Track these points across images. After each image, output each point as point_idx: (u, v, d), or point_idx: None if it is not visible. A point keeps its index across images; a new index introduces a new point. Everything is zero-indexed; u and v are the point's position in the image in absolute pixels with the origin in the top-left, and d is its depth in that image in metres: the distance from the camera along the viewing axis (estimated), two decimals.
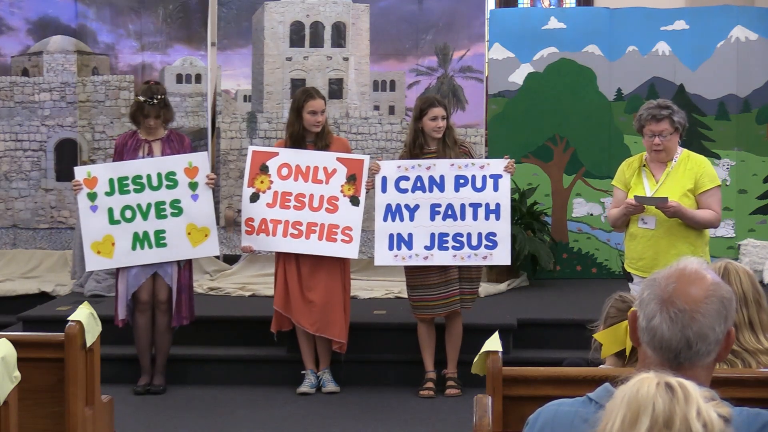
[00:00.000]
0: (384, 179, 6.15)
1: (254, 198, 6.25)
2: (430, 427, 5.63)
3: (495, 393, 3.01)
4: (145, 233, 6.13)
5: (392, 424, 5.69)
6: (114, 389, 5.13)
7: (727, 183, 8.10)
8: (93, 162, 7.97)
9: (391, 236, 6.15)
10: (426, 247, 6.11)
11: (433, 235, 6.11)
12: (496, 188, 6.11)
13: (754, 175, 8.33)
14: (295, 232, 6.19)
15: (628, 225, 5.38)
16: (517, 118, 8.34)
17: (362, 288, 7.69)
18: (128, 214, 6.14)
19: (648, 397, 1.65)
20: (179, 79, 8.21)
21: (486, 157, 7.38)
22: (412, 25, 8.20)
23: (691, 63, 8.31)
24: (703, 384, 1.86)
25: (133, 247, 6.13)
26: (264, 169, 6.24)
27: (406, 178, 6.14)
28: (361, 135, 8.16)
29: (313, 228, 6.19)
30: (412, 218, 6.14)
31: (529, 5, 11.77)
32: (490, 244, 6.11)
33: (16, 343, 3.16)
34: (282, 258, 6.26)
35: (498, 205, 6.11)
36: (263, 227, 6.22)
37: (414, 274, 6.19)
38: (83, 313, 3.89)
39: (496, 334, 3.20)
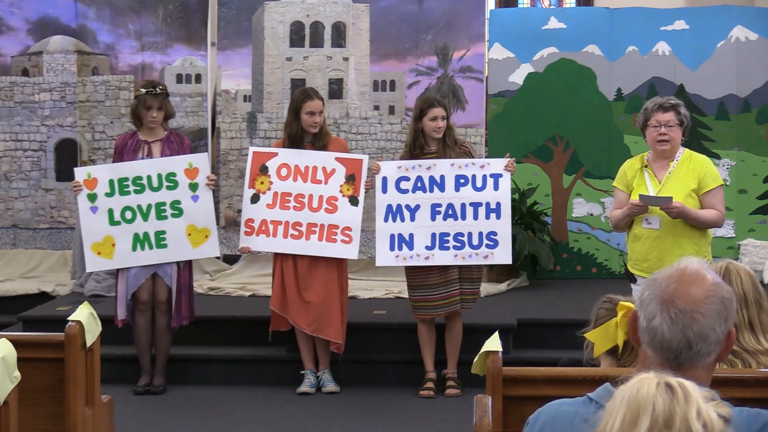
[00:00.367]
0: (384, 180, 6.16)
1: (255, 199, 6.25)
2: (430, 427, 5.63)
3: (495, 393, 3.01)
4: (146, 234, 6.13)
5: (392, 424, 5.69)
6: (114, 389, 5.13)
7: (727, 183, 8.10)
8: (93, 162, 7.97)
9: (392, 236, 6.15)
10: (427, 247, 6.11)
11: (434, 235, 6.11)
12: (496, 187, 6.11)
13: (754, 175, 8.34)
14: (295, 232, 6.19)
15: (631, 226, 5.36)
16: (517, 118, 8.34)
17: (362, 288, 7.69)
18: (128, 215, 6.14)
19: (648, 397, 1.65)
20: (179, 79, 8.22)
21: (486, 158, 7.37)
22: (412, 25, 8.20)
23: (691, 63, 8.31)
24: (704, 384, 1.87)
25: (134, 248, 6.13)
26: (264, 170, 6.24)
27: (407, 179, 6.14)
28: (361, 135, 8.16)
29: (312, 229, 6.19)
30: (412, 218, 6.14)
31: (529, 5, 11.77)
32: (491, 244, 6.11)
33: (16, 343, 3.16)
34: (279, 258, 6.26)
35: (498, 204, 6.12)
36: (263, 228, 6.22)
37: (414, 274, 6.19)
38: (83, 313, 3.89)
39: (496, 334, 3.20)
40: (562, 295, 7.62)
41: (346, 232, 6.19)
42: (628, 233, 5.43)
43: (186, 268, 6.26)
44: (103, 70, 8.24)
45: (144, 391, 6.19)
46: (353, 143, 8.04)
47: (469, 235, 6.11)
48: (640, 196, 5.21)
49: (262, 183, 6.24)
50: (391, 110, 8.20)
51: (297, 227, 6.20)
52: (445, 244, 6.11)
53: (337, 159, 6.23)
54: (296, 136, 6.23)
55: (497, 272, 7.88)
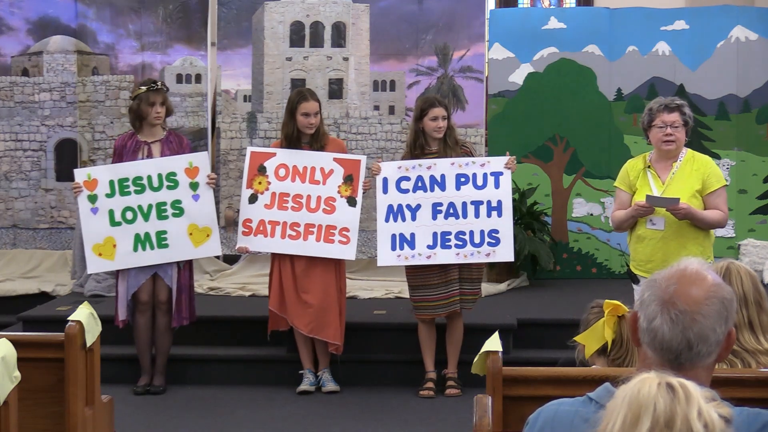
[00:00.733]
0: (385, 180, 6.16)
1: (253, 199, 6.25)
2: (430, 427, 5.63)
3: (495, 393, 3.01)
4: (147, 234, 6.13)
5: (392, 424, 5.69)
6: (114, 389, 5.13)
7: (727, 183, 8.08)
8: (93, 162, 7.97)
9: (393, 236, 6.15)
10: (429, 247, 6.11)
11: (435, 234, 6.11)
12: (497, 185, 6.11)
13: (754, 175, 8.34)
14: (293, 233, 6.20)
15: (635, 227, 5.34)
16: (517, 118, 8.34)
17: (362, 288, 7.69)
18: (129, 215, 6.14)
19: (649, 398, 1.65)
20: (179, 79, 8.22)
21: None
22: (412, 25, 8.20)
23: (691, 63, 8.31)
24: (704, 384, 1.87)
25: (135, 249, 6.12)
26: (262, 170, 6.24)
27: (407, 179, 6.14)
28: (361, 135, 8.16)
29: (310, 229, 6.19)
30: (414, 218, 6.14)
31: (529, 5, 11.77)
32: (493, 241, 6.11)
33: (16, 343, 3.16)
34: (277, 259, 6.26)
35: (500, 202, 6.12)
36: (261, 228, 6.22)
37: (415, 274, 6.19)
38: (83, 313, 3.89)
39: (496, 334, 3.21)
40: (562, 295, 7.62)
41: (344, 232, 6.18)
42: (630, 234, 5.40)
43: (186, 268, 6.26)
44: (103, 70, 8.24)
45: (144, 391, 6.19)
46: (353, 143, 8.05)
47: (471, 233, 6.11)
48: (647, 197, 5.19)
49: (260, 183, 6.24)
50: (391, 110, 8.20)
51: (295, 228, 6.20)
52: (447, 243, 6.11)
53: (335, 159, 6.23)
54: (293, 137, 6.23)
55: (497, 272, 7.88)
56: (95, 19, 8.25)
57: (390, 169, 6.18)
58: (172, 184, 6.15)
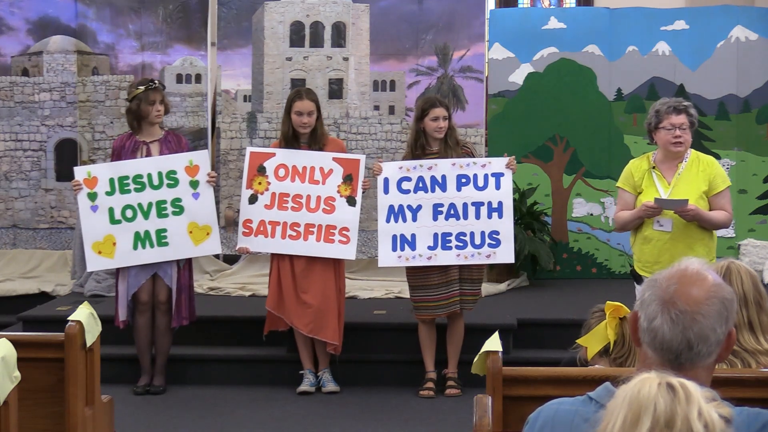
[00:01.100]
0: (386, 180, 6.15)
1: (253, 200, 6.25)
2: (430, 427, 5.63)
3: (495, 393, 3.01)
4: (147, 232, 6.13)
5: (392, 424, 5.69)
6: (114, 389, 5.13)
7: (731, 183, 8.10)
8: (93, 162, 7.97)
9: (394, 237, 6.14)
10: (429, 247, 6.11)
11: (436, 235, 6.11)
12: (498, 186, 6.11)
13: (754, 175, 8.34)
14: (294, 233, 6.19)
15: (640, 227, 5.33)
16: (517, 118, 8.34)
17: (362, 288, 7.69)
18: (129, 213, 6.14)
19: (649, 398, 1.65)
20: (179, 79, 8.22)
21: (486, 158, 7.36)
22: (412, 25, 8.20)
23: (691, 63, 8.31)
24: (704, 384, 1.86)
25: (135, 247, 6.12)
26: (261, 170, 6.24)
27: (408, 179, 6.14)
28: (361, 135, 8.16)
29: (310, 229, 6.19)
30: (414, 219, 6.14)
31: (529, 5, 11.77)
32: (494, 243, 6.11)
33: (16, 343, 3.16)
34: (276, 258, 6.26)
35: (500, 204, 6.12)
36: (261, 229, 6.22)
37: (415, 274, 6.19)
38: (83, 313, 3.89)
39: (496, 334, 3.21)
40: (562, 295, 7.62)
41: (344, 232, 6.18)
42: (635, 234, 5.39)
43: (186, 268, 6.26)
44: (103, 70, 8.24)
45: (144, 391, 6.19)
46: (353, 143, 8.05)
47: (471, 234, 6.11)
48: (656, 199, 5.18)
49: (259, 183, 6.24)
50: (391, 110, 8.20)
51: (295, 228, 6.20)
52: (448, 244, 6.11)
53: (334, 159, 6.23)
54: (291, 137, 6.24)
55: (497, 272, 7.88)
56: (95, 19, 8.25)
57: (391, 170, 6.18)
58: (172, 182, 6.15)
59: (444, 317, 6.18)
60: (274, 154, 6.27)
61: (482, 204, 6.12)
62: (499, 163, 6.15)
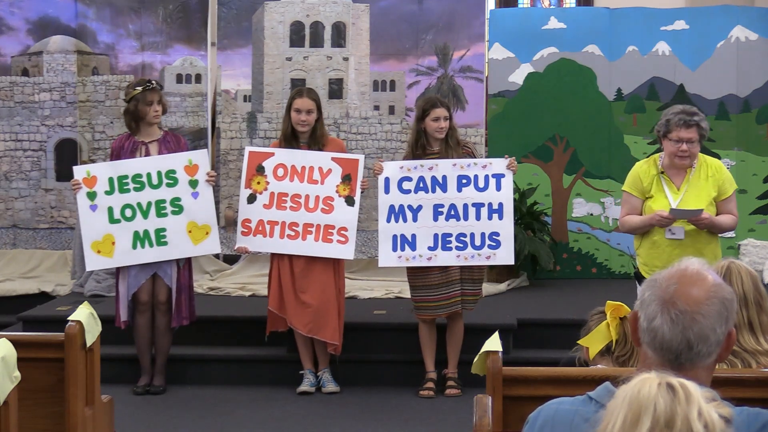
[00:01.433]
0: (387, 180, 6.15)
1: (251, 199, 6.25)
2: (430, 427, 5.63)
3: (495, 393, 3.01)
4: (146, 232, 6.13)
5: (392, 424, 5.69)
6: (114, 389, 5.13)
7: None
8: (93, 162, 7.96)
9: (394, 237, 6.15)
10: (429, 248, 6.11)
11: (436, 235, 6.11)
12: (498, 188, 6.11)
13: (754, 175, 8.33)
14: (292, 233, 6.19)
15: (648, 231, 5.30)
16: (517, 118, 8.34)
17: (362, 288, 7.69)
18: (128, 212, 6.14)
19: (649, 398, 1.65)
20: (179, 79, 8.21)
21: (486, 158, 7.36)
22: (412, 25, 8.20)
23: (691, 63, 8.31)
24: (704, 384, 1.87)
25: (134, 246, 6.12)
26: (260, 170, 6.24)
27: (409, 179, 6.14)
28: (361, 135, 8.16)
29: (309, 229, 6.19)
30: (415, 219, 6.14)
31: (529, 5, 11.77)
32: (494, 244, 6.11)
33: (16, 343, 3.16)
34: (276, 259, 6.26)
35: (501, 205, 6.12)
36: (260, 228, 6.22)
37: (416, 274, 6.19)
38: (83, 313, 3.89)
39: (496, 334, 3.21)
40: (562, 295, 7.62)
41: (342, 232, 6.18)
42: (641, 237, 5.36)
43: (186, 268, 6.26)
44: (103, 70, 8.24)
45: (144, 391, 6.18)
46: (353, 143, 8.05)
47: (472, 235, 6.11)
48: (672, 210, 5.17)
49: (258, 183, 6.24)
50: (391, 110, 8.20)
51: (293, 227, 6.20)
52: (448, 245, 6.11)
53: (333, 159, 6.23)
54: (290, 136, 6.24)
55: (497, 272, 7.88)
56: (95, 19, 8.25)
57: (392, 169, 6.18)
58: (171, 181, 6.15)
59: (444, 317, 6.18)
60: (272, 154, 6.27)
61: (483, 205, 6.12)
62: (499, 164, 6.15)
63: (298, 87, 6.64)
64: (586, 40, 8.33)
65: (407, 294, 6.47)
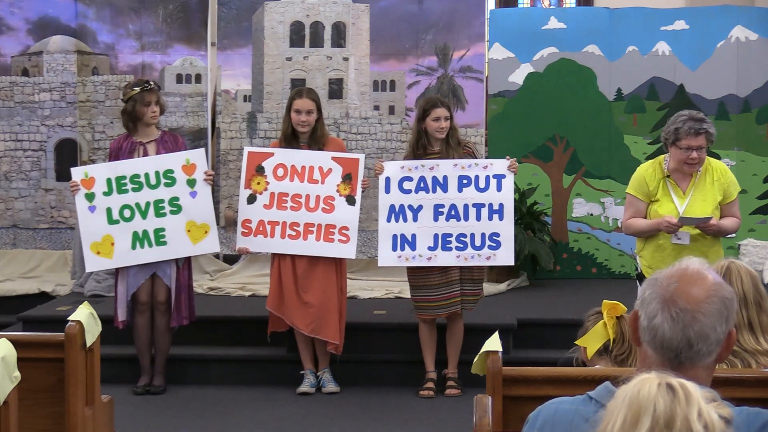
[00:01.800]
0: (387, 180, 6.16)
1: (251, 199, 6.25)
2: (430, 427, 5.63)
3: (495, 393, 3.01)
4: (145, 232, 6.13)
5: (392, 424, 5.69)
6: (114, 389, 5.13)
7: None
8: (93, 162, 7.96)
9: (394, 237, 6.15)
10: (429, 248, 6.11)
11: (436, 235, 6.11)
12: (499, 188, 6.11)
13: (754, 175, 8.33)
14: (293, 233, 6.19)
15: (653, 234, 5.32)
16: (517, 118, 8.34)
17: (362, 288, 7.69)
18: (127, 213, 6.14)
19: (649, 398, 1.65)
20: (179, 79, 8.21)
21: (486, 158, 7.37)
22: (412, 25, 8.20)
23: (691, 63, 8.31)
24: (704, 384, 1.87)
25: (133, 247, 6.12)
26: (260, 170, 6.24)
27: (410, 179, 6.14)
28: (361, 135, 8.16)
29: (310, 229, 6.19)
30: (415, 219, 6.14)
31: (529, 5, 11.77)
32: (494, 245, 6.11)
33: (16, 343, 3.16)
34: (278, 258, 6.26)
35: (501, 206, 6.12)
36: (261, 229, 6.22)
37: (416, 274, 6.19)
38: (83, 313, 3.89)
39: (496, 334, 3.21)
40: (562, 295, 7.62)
41: (344, 231, 6.18)
42: (645, 239, 5.37)
43: (185, 267, 6.26)
44: (103, 70, 8.24)
45: (144, 391, 6.18)
46: (353, 143, 8.04)
47: (472, 236, 6.11)
48: (681, 218, 5.19)
49: (258, 183, 6.24)
50: (391, 110, 8.20)
51: (294, 227, 6.20)
52: (448, 245, 6.11)
53: (333, 158, 6.23)
54: (289, 135, 6.24)
55: (497, 272, 7.88)
56: (95, 19, 8.25)
57: (393, 169, 6.18)
58: (169, 181, 6.14)
59: (444, 317, 6.18)
60: (272, 154, 6.27)
61: (483, 205, 6.12)
62: (500, 165, 6.15)
63: (298, 87, 6.64)
64: (586, 40, 8.33)
65: (407, 294, 6.46)
